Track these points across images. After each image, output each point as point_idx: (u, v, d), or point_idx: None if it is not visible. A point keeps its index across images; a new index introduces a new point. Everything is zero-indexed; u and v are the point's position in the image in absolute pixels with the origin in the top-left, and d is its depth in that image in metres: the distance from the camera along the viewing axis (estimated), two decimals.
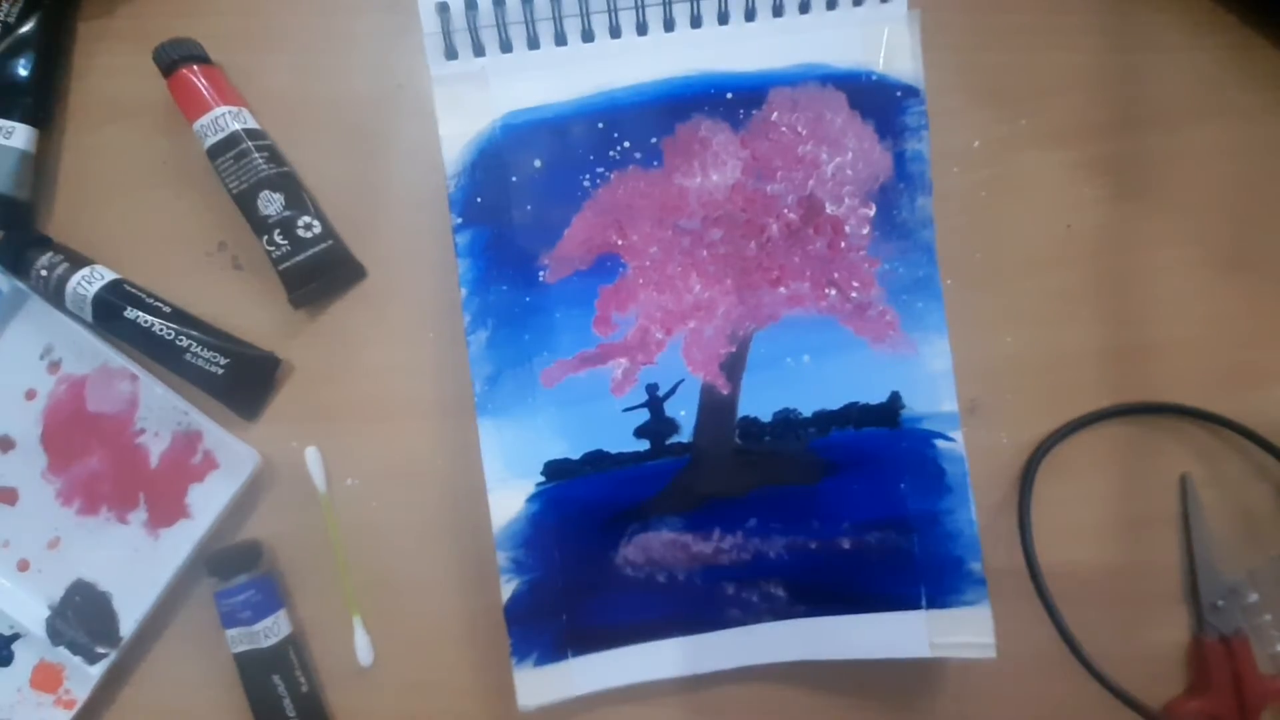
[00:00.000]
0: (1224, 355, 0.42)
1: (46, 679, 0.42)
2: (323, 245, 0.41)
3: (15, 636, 0.42)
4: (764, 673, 0.41)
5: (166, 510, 0.42)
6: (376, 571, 0.42)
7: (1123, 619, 0.42)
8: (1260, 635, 0.42)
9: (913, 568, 0.39)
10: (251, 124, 0.41)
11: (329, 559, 0.42)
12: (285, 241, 0.40)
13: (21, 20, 0.42)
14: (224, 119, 0.40)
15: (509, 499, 0.39)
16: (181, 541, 0.41)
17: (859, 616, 0.39)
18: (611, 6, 0.39)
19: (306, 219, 0.41)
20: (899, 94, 0.39)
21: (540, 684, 0.39)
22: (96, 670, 0.41)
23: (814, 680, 0.42)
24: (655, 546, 0.40)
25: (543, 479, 0.39)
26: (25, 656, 0.42)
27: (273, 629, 0.40)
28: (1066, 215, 0.43)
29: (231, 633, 0.40)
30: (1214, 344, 0.42)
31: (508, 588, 0.39)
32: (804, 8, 0.39)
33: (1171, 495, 0.42)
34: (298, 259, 0.41)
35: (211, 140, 0.40)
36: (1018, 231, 0.43)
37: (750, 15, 0.39)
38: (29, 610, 0.42)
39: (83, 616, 0.41)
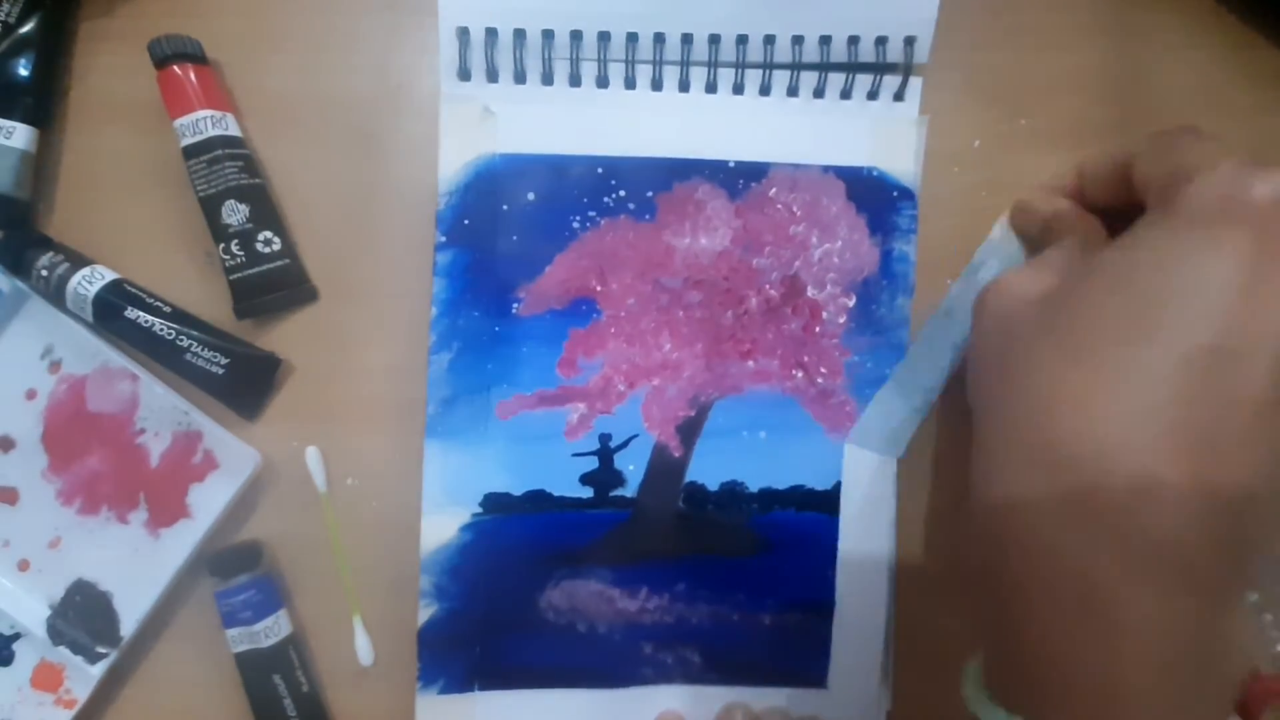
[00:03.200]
0: None
1: (47, 679, 0.42)
2: (279, 263, 0.41)
3: (16, 636, 0.42)
4: None
5: (167, 510, 0.42)
6: (376, 571, 0.42)
7: None
8: (1260, 636, 0.42)
9: (824, 650, 0.40)
10: (233, 131, 0.41)
11: (329, 559, 0.42)
12: (241, 253, 0.41)
13: (22, 20, 0.42)
14: (204, 122, 0.40)
15: (442, 525, 0.40)
16: (182, 541, 0.41)
17: (763, 689, 0.40)
18: (630, 58, 0.39)
19: (267, 234, 0.41)
20: (895, 194, 0.40)
21: (441, 714, 0.40)
22: (97, 670, 0.41)
23: None
24: (581, 595, 0.40)
25: (480, 510, 0.40)
26: (26, 656, 0.43)
27: (273, 629, 0.40)
28: None
29: (232, 633, 0.40)
30: None
31: (425, 612, 0.40)
32: (819, 92, 0.39)
33: None
34: (249, 272, 0.41)
35: (187, 141, 0.40)
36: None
37: (765, 90, 0.39)
38: (29, 610, 0.42)
39: (83, 616, 0.41)
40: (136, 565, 0.41)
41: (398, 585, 0.42)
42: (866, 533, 0.40)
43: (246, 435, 0.42)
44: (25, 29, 0.42)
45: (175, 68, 0.41)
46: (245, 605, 0.40)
